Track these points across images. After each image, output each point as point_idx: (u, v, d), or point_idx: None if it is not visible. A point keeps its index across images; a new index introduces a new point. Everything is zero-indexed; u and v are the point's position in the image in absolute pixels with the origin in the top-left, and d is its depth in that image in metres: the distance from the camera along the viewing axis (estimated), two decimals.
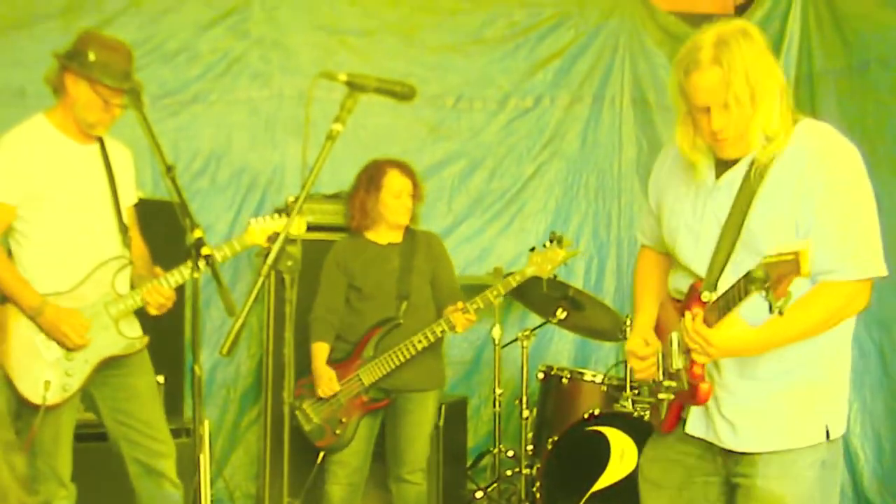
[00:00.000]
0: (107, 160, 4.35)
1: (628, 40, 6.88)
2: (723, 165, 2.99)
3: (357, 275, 5.00)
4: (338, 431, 4.93)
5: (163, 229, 4.58)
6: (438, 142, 6.79)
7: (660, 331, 3.22)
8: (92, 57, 4.10)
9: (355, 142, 6.42)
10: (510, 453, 6.10)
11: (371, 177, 5.06)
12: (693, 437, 3.10)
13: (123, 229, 4.35)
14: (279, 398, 5.71)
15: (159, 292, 4.25)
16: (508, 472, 6.04)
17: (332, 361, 4.96)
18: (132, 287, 4.33)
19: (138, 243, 4.47)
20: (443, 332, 4.88)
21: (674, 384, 3.09)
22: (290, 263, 2.78)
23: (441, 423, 5.63)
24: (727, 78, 2.79)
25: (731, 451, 3.02)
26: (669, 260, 3.27)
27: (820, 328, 2.92)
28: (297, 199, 2.82)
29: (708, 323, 2.85)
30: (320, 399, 4.94)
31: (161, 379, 5.12)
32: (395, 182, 5.02)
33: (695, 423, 3.09)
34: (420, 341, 4.85)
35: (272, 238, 2.72)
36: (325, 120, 2.88)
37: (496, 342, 5.95)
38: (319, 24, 6.59)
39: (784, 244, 2.61)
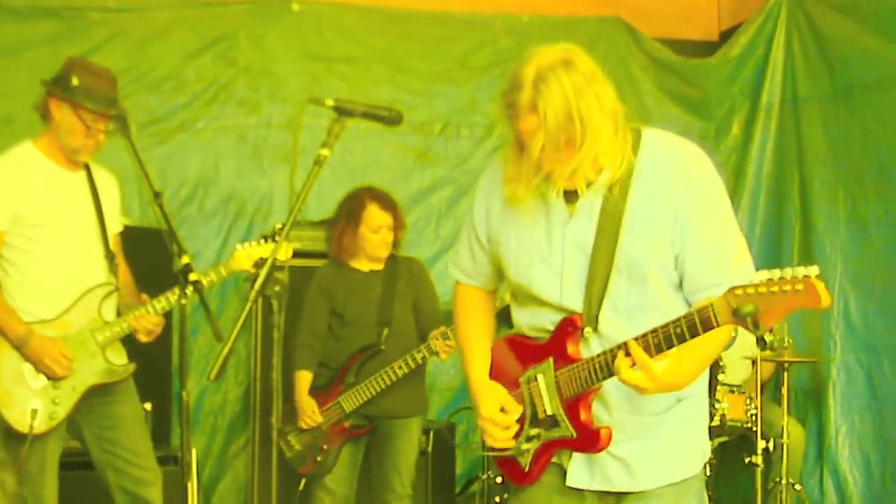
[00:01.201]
0: (93, 187, 4.36)
1: (613, 67, 6.91)
2: (570, 192, 2.72)
3: (339, 301, 5.00)
4: (319, 458, 4.95)
5: (149, 257, 4.58)
6: (426, 168, 6.80)
7: (497, 375, 2.92)
8: (75, 82, 4.12)
9: (342, 168, 6.44)
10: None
11: (350, 210, 5.05)
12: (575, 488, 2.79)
13: (110, 256, 4.35)
14: (267, 425, 5.69)
15: (147, 319, 4.24)
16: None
17: (313, 388, 4.97)
18: (119, 314, 4.32)
19: (123, 271, 4.47)
20: (423, 358, 4.88)
21: (542, 431, 2.77)
22: (277, 289, 2.77)
23: (429, 449, 5.63)
24: (545, 124, 2.53)
25: (620, 493, 2.77)
26: (493, 298, 3.08)
27: (722, 348, 2.74)
28: (284, 224, 2.82)
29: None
30: (301, 426, 4.95)
31: (148, 406, 5.11)
32: (374, 217, 5.00)
33: (578, 473, 2.78)
34: (400, 367, 4.86)
35: (258, 263, 2.71)
36: (313, 147, 2.88)
37: None
38: (307, 51, 6.61)
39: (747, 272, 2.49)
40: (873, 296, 5.68)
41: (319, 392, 4.97)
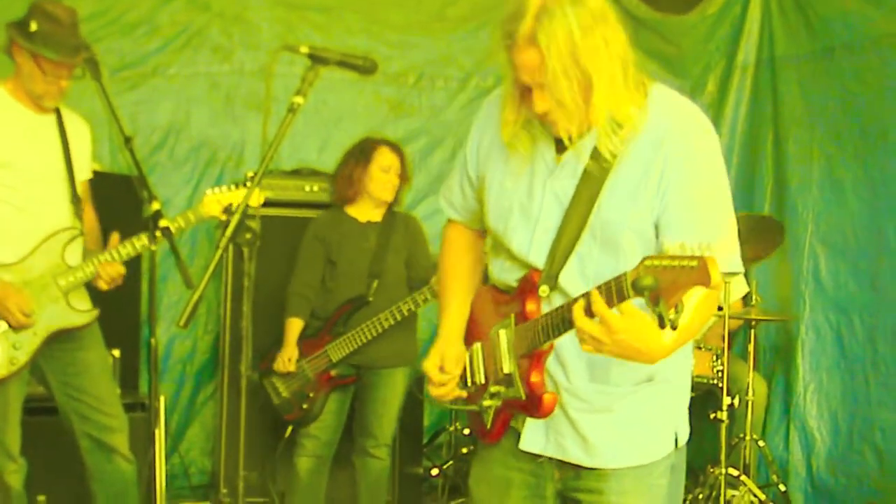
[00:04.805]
0: (62, 131, 4.29)
1: None
2: (562, 140, 2.54)
3: (333, 248, 5.03)
4: (305, 406, 4.99)
5: (119, 203, 4.54)
6: (399, 119, 6.78)
7: (476, 324, 2.84)
8: (34, 27, 4.02)
9: (316, 118, 6.43)
10: (466, 431, 6.12)
11: (362, 149, 5.13)
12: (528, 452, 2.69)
13: (76, 200, 4.28)
14: (236, 373, 5.70)
15: (112, 267, 4.20)
16: (464, 450, 6.06)
17: (303, 337, 5.02)
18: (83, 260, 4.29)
19: (91, 217, 4.42)
20: (410, 309, 4.90)
21: (502, 389, 2.67)
22: (248, 236, 2.77)
23: None
24: (545, 59, 2.34)
25: (575, 466, 2.64)
26: (483, 238, 2.90)
27: (702, 326, 2.54)
28: (256, 172, 2.80)
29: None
30: (288, 373, 5.00)
31: (117, 353, 5.10)
32: (384, 157, 5.08)
33: (532, 437, 2.66)
34: (387, 319, 4.89)
35: (228, 209, 2.71)
36: (286, 95, 2.87)
37: None
38: None
39: (672, 241, 2.25)
40: (846, 256, 5.71)
41: (307, 341, 5.01)
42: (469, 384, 2.83)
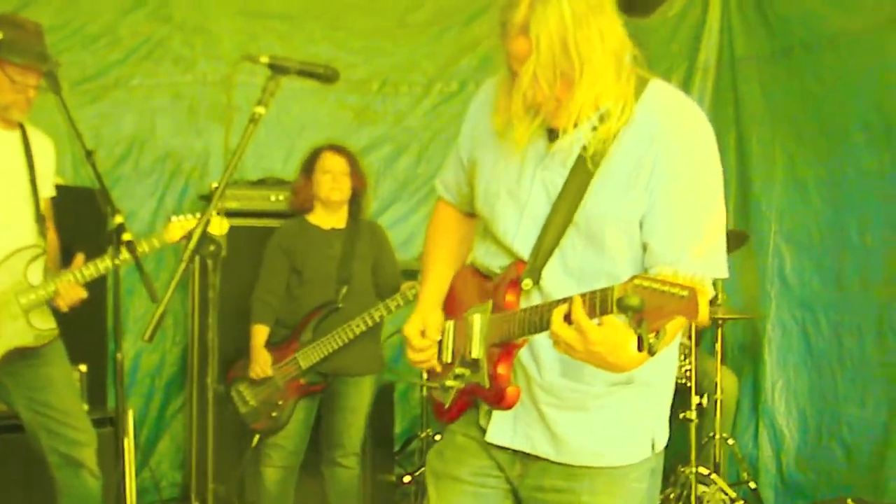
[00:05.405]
0: (27, 148, 4.28)
1: None
2: (555, 129, 2.49)
3: (298, 257, 5.03)
4: (274, 414, 4.97)
5: (82, 217, 4.52)
6: (363, 127, 6.77)
7: (453, 302, 2.79)
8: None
9: (279, 128, 6.41)
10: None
11: (308, 159, 5.18)
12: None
13: (40, 219, 4.27)
14: (205, 385, 5.68)
15: (74, 290, 4.18)
16: None
17: (270, 345, 5.00)
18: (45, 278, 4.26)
19: (51, 236, 4.41)
20: (381, 316, 4.93)
21: (467, 372, 2.64)
22: (212, 248, 2.75)
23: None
24: (537, 51, 2.30)
25: (542, 460, 2.60)
26: (472, 222, 2.84)
27: (670, 344, 2.48)
28: (219, 183, 2.79)
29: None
30: (256, 381, 4.97)
31: (83, 368, 5.07)
32: (325, 160, 5.10)
33: (499, 430, 2.63)
34: (358, 325, 4.90)
35: (190, 236, 2.69)
36: (249, 105, 2.85)
37: None
38: (243, 8, 6.53)
39: (661, 259, 2.28)
40: (810, 254, 5.75)
41: (276, 348, 4.99)
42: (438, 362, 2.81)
